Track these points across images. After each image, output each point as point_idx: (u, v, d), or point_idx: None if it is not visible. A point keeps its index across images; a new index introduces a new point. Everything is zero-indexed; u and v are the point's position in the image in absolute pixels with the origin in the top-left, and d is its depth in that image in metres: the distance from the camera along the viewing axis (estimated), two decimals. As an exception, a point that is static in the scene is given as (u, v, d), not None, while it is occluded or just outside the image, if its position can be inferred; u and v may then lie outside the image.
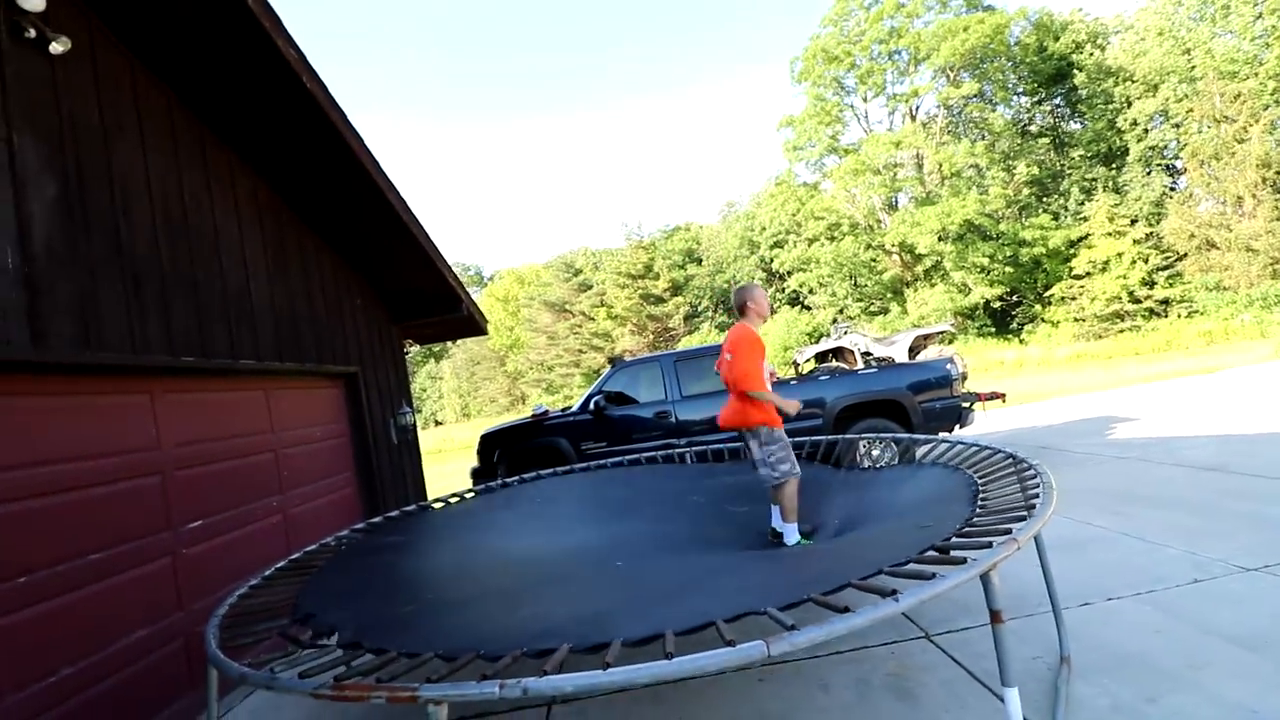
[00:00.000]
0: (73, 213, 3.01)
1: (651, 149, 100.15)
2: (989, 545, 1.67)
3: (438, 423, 50.04)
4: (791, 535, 3.33)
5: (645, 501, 3.65)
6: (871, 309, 32.63)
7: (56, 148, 2.97)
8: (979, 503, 2.34)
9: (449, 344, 52.44)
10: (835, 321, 9.34)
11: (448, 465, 15.81)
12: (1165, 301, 25.40)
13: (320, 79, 4.12)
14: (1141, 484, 5.25)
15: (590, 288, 42.06)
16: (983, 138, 31.93)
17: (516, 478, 5.12)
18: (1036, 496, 2.10)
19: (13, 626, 2.62)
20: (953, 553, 1.80)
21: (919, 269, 31.18)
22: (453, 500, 4.41)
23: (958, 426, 6.52)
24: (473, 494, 4.59)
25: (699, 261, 44.13)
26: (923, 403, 6.35)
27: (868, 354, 8.47)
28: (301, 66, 3.89)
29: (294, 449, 4.89)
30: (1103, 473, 5.84)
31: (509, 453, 6.95)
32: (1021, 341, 27.55)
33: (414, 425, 6.76)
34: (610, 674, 1.31)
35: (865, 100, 33.87)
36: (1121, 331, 25.05)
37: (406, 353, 7.61)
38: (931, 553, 1.82)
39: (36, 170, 2.83)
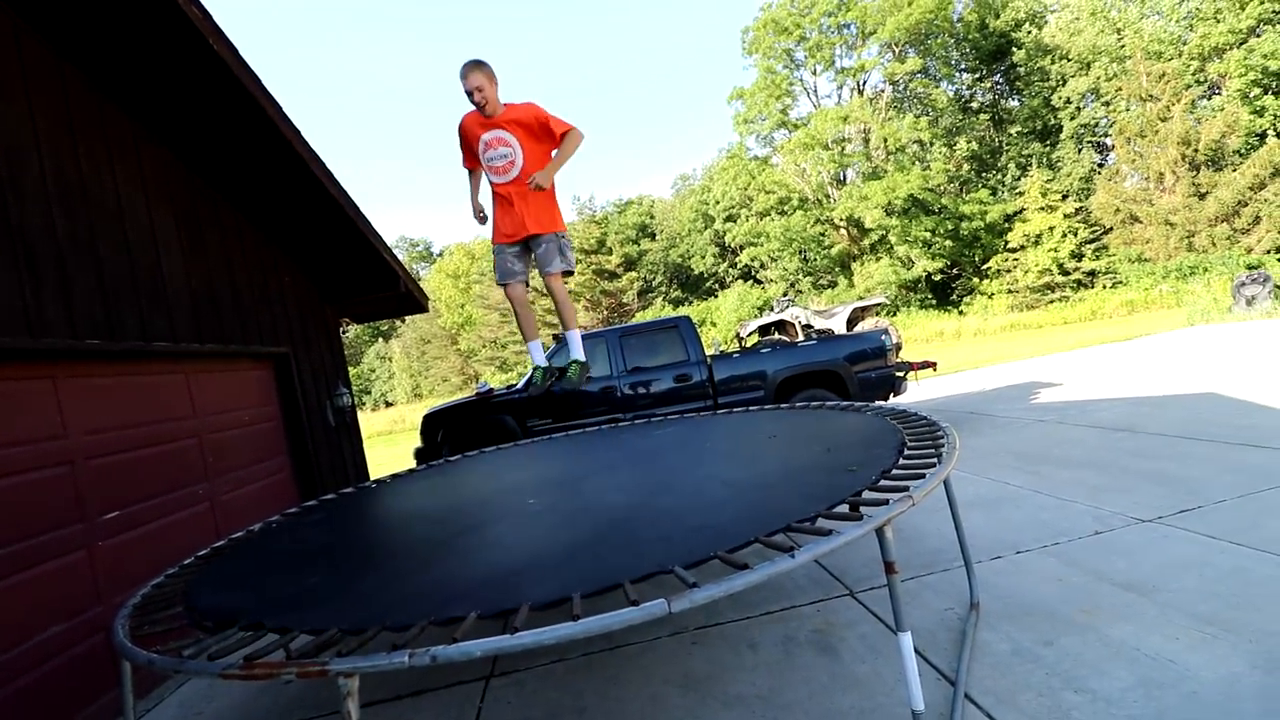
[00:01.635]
0: (-52, 184, 2.79)
1: (604, 120, 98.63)
2: (886, 502, 1.76)
3: (388, 403, 48.88)
4: (575, 346, 3.37)
5: (578, 463, 3.67)
6: (820, 283, 33.32)
7: (-75, 113, 2.74)
8: (903, 454, 2.45)
9: (398, 323, 51.03)
10: (785, 295, 9.53)
11: (399, 447, 15.55)
12: (1092, 273, 26.79)
13: (230, 42, 3.90)
14: (1056, 445, 5.59)
15: (541, 264, 41.51)
16: (927, 114, 32.67)
17: (458, 455, 5.10)
18: (940, 457, 2.21)
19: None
20: (862, 508, 1.88)
21: (865, 243, 31.94)
22: (383, 480, 4.35)
23: (892, 395, 6.78)
24: (408, 473, 4.54)
25: (652, 236, 44.03)
26: (859, 373, 6.56)
27: (808, 327, 8.68)
28: (207, 27, 3.67)
29: (220, 434, 4.72)
30: (1022, 436, 6.18)
31: (453, 432, 6.88)
32: (960, 313, 28.65)
33: (352, 407, 6.61)
34: (519, 637, 1.34)
35: (814, 74, 34.15)
36: (1051, 302, 26.34)
37: (344, 332, 7.40)
38: (842, 507, 1.90)
39: (-97, 138, 2.61)
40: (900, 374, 6.85)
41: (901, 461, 2.29)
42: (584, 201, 43.64)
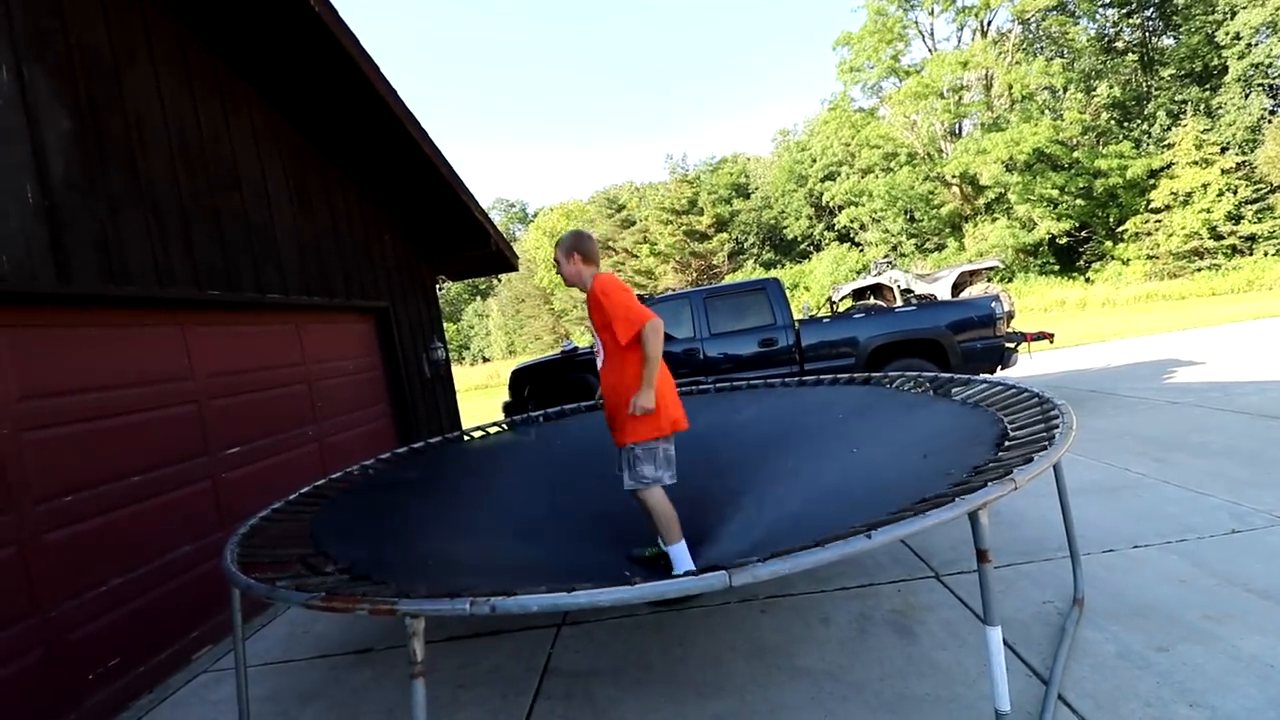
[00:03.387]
0: (87, 145, 3.06)
1: (701, 74, 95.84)
2: (983, 485, 1.60)
3: (485, 359, 51.24)
4: (680, 560, 2.65)
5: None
6: (926, 245, 31.20)
7: (67, 79, 3.00)
8: (1004, 445, 2.24)
9: (495, 281, 52.97)
10: (885, 257, 8.95)
11: (494, 400, 16.27)
12: (1251, 238, 23.39)
13: (331, 4, 4.03)
14: (1192, 430, 4.97)
15: (633, 224, 41.47)
16: (1061, 55, 29.27)
17: (541, 413, 5.23)
18: (1052, 438, 1.99)
19: (63, 541, 2.85)
20: (955, 490, 1.73)
21: (980, 202, 29.45)
22: (477, 434, 4.53)
23: (1000, 368, 6.28)
24: (498, 428, 4.70)
25: (746, 195, 42.77)
26: (963, 343, 6.10)
27: (908, 291, 8.14)
28: (309, -9, 3.79)
29: (327, 381, 5.07)
30: (1151, 418, 5.55)
31: (538, 388, 7.07)
32: (1088, 280, 25.98)
33: (446, 360, 6.92)
34: (574, 596, 1.34)
35: (932, 15, 31.32)
36: (1199, 270, 23.31)
37: (442, 289, 7.72)
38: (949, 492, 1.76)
39: (48, 102, 2.88)
40: (1011, 345, 6.32)
41: (1007, 443, 2.08)
42: (676, 160, 43.01)
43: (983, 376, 3.41)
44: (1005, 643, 2.42)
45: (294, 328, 4.76)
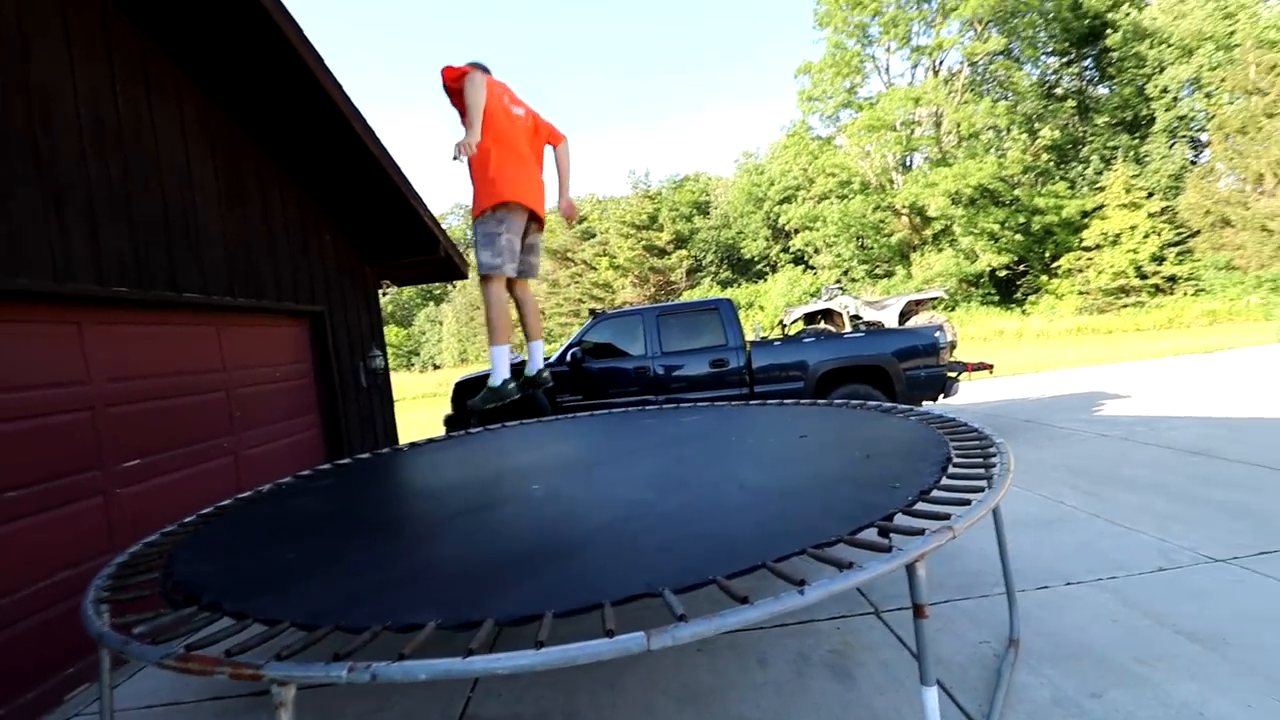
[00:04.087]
0: (-30, 120, 2.75)
1: (666, 93, 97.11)
2: (921, 532, 1.51)
3: (436, 366, 50.03)
4: (498, 366, 3.00)
5: (594, 447, 3.49)
6: (876, 272, 32.11)
7: (-50, 47, 2.69)
8: (947, 471, 2.17)
9: (449, 287, 51.92)
10: (835, 282, 9.08)
11: (442, 410, 15.79)
12: (1172, 279, 24.93)
13: (268, -11, 3.78)
14: (1121, 464, 5.11)
15: (593, 236, 41.37)
16: (1006, 98, 30.75)
17: (482, 427, 5.00)
18: (990, 479, 1.93)
19: (-88, 562, 2.50)
20: (893, 535, 1.64)
21: (928, 233, 30.53)
22: (401, 449, 4.28)
23: (942, 396, 6.36)
24: (427, 442, 4.45)
25: (707, 214, 43.25)
26: (908, 370, 6.17)
27: (857, 317, 8.24)
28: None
29: (250, 389, 4.73)
30: (1083, 450, 5.70)
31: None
32: (1024, 312, 27.17)
33: (385, 369, 6.60)
34: (469, 662, 1.18)
35: (889, 51, 32.51)
36: (1125, 307, 24.68)
37: (384, 294, 7.40)
38: (870, 530, 1.66)
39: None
40: (953, 374, 6.42)
41: (945, 481, 2.01)
42: (639, 175, 43.24)
43: (924, 407, 3.39)
44: (941, 687, 2.35)
45: (214, 330, 4.42)
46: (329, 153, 5.12)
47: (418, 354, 51.39)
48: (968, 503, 1.72)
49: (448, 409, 7.46)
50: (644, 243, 37.38)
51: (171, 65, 4.02)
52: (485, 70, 3.22)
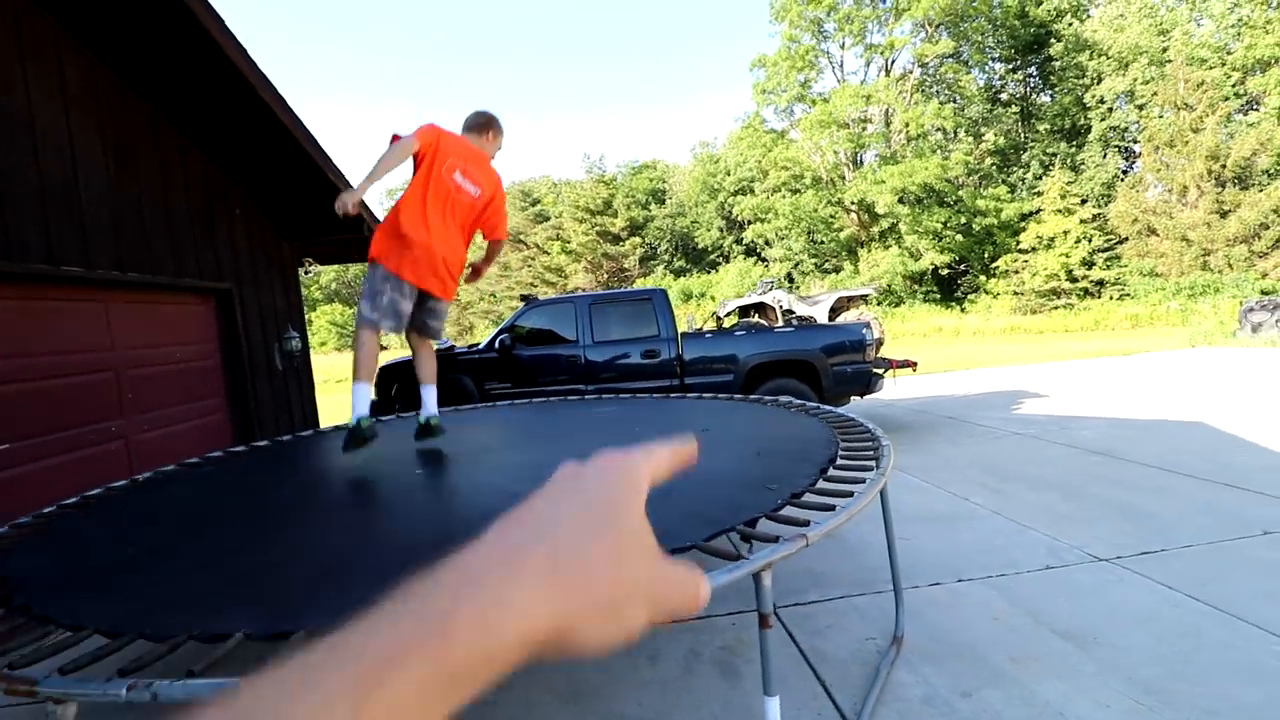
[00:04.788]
0: None
1: (622, 75, 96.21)
2: (775, 539, 1.49)
3: (384, 347, 48.54)
4: (358, 401, 2.91)
5: (494, 436, 3.41)
6: (825, 266, 32.76)
7: None
8: (825, 474, 2.17)
9: (396, 267, 50.24)
10: (766, 278, 9.14)
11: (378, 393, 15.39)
12: (1100, 283, 26.27)
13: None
14: (1029, 462, 5.33)
15: (547, 219, 40.84)
16: (953, 101, 31.65)
17: (396, 415, 4.85)
18: (859, 486, 1.93)
19: None
20: (754, 541, 1.61)
21: (875, 230, 31.28)
22: (301, 435, 4.09)
23: (867, 392, 6.50)
24: (332, 430, 4.27)
25: (663, 202, 43.18)
26: (834, 365, 6.27)
27: (789, 312, 8.35)
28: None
29: (144, 369, 4.46)
30: (997, 448, 5.92)
31: (408, 387, 6.61)
32: (963, 310, 28.22)
33: (304, 351, 6.33)
34: None
35: (843, 48, 32.98)
36: (1056, 308, 25.89)
37: (307, 273, 7.08)
38: (732, 535, 1.64)
39: None
40: (878, 371, 6.57)
41: (820, 484, 2.00)
42: (594, 160, 42.76)
43: (852, 402, 3.43)
44: (821, 683, 2.39)
45: (101, 306, 4.13)
46: (237, 122, 4.82)
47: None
48: (833, 508, 1.72)
49: (373, 394, 7.21)
50: (598, 228, 37.08)
51: (45, 16, 3.68)
52: (477, 128, 3.09)
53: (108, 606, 1.46)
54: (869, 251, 31.03)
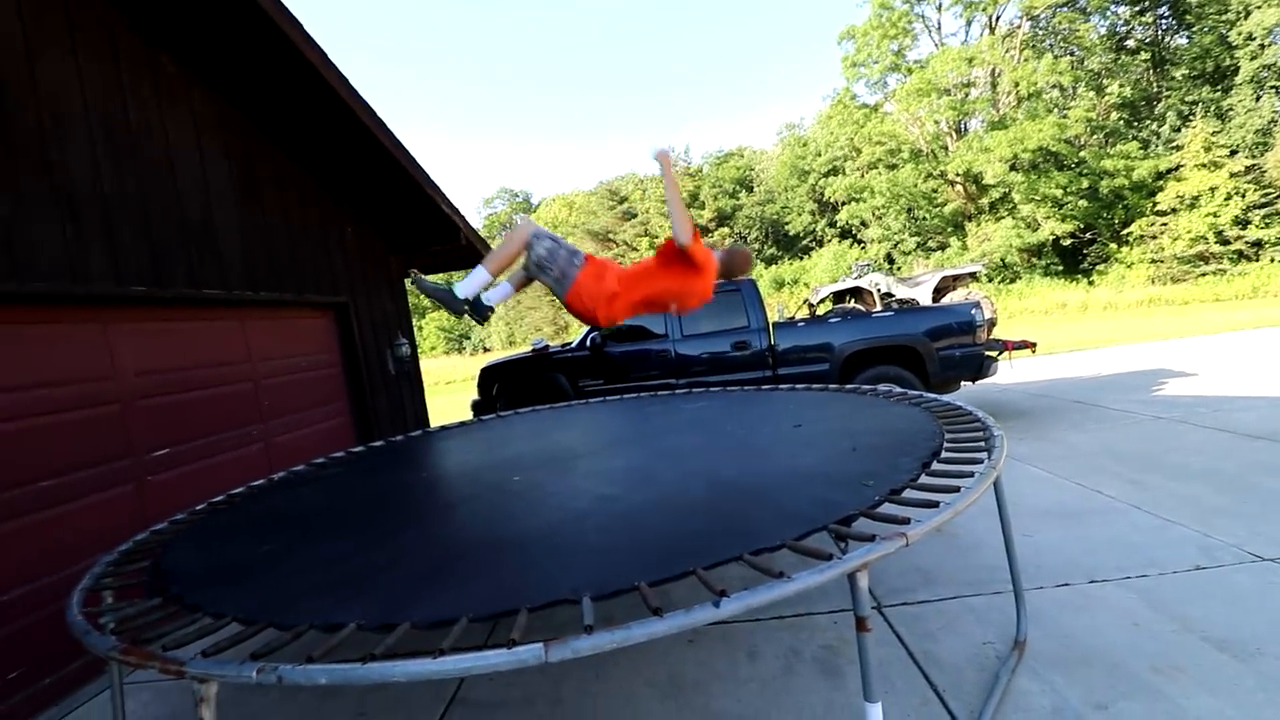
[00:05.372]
0: (-16, 133, 2.89)
1: (709, 66, 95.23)
2: (872, 538, 1.42)
3: (485, 349, 51.02)
4: (468, 283, 2.67)
5: (589, 436, 3.48)
6: (928, 244, 30.81)
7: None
8: (928, 468, 2.04)
9: (495, 272, 52.61)
10: (863, 260, 8.67)
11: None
12: (1258, 244, 22.95)
13: (268, -15, 3.83)
14: (1173, 449, 4.76)
15: (634, 216, 41.18)
16: (1070, 53, 28.77)
17: (509, 411, 5.07)
18: (967, 476, 1.80)
19: (-50, 548, 2.70)
20: (849, 540, 1.55)
21: (984, 201, 29.04)
22: (412, 436, 4.36)
23: (980, 377, 6.06)
24: (440, 429, 4.53)
25: (750, 190, 42.36)
26: (941, 350, 5.89)
27: (888, 295, 7.91)
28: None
29: (277, 379, 4.91)
30: (1132, 434, 5.33)
31: (508, 387, 6.89)
32: (1090, 284, 25.60)
33: (413, 356, 6.75)
34: (367, 669, 1.18)
35: (939, 9, 30.82)
36: (1203, 275, 22.92)
37: (414, 281, 7.52)
38: (822, 535, 1.58)
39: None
40: (991, 354, 6.11)
41: (923, 479, 1.89)
42: (679, 153, 42.59)
43: (933, 396, 3.19)
44: (934, 689, 2.25)
45: (238, 324, 4.59)
46: (342, 147, 5.20)
47: (468, 338, 52.49)
48: (936, 504, 1.61)
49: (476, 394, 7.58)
50: (686, 221, 36.94)
51: (175, 64, 4.12)
52: None
53: (245, 597, 1.62)
54: (978, 225, 28.87)
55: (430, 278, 3.63)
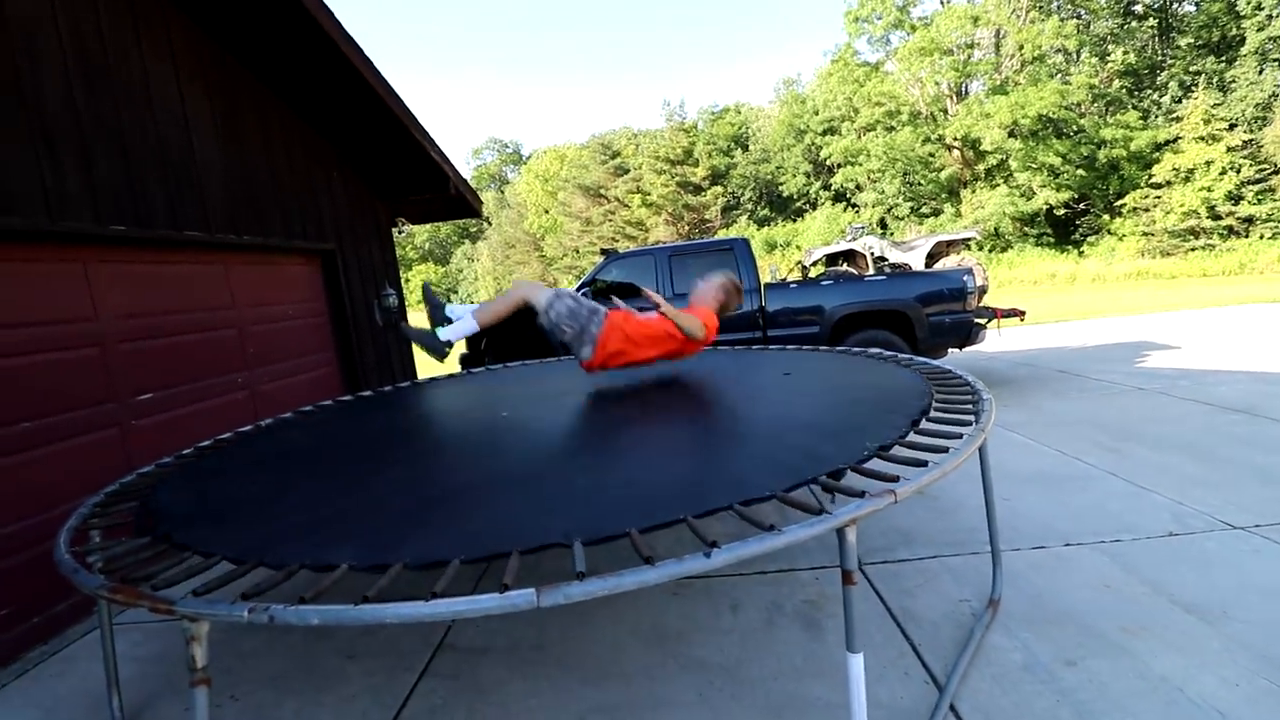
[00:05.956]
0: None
1: (706, 16, 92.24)
2: (861, 494, 1.43)
3: (473, 301, 50.60)
4: (455, 327, 2.83)
5: (573, 385, 3.49)
6: (923, 210, 30.63)
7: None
8: (916, 427, 2.05)
9: (485, 224, 51.97)
10: (856, 223, 8.59)
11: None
12: (1249, 220, 23.05)
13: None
14: (1152, 420, 4.86)
15: (627, 172, 40.42)
16: (1077, 16, 28.16)
17: (499, 365, 5.05)
18: (955, 438, 1.82)
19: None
20: (836, 494, 1.57)
21: (980, 167, 28.78)
22: (400, 386, 4.35)
23: (968, 344, 6.11)
24: (427, 381, 4.51)
25: (745, 148, 41.63)
26: (931, 316, 5.91)
27: (882, 259, 7.89)
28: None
29: (263, 326, 4.83)
30: (1114, 405, 5.43)
31: (496, 340, 6.84)
32: (1080, 255, 25.71)
33: (400, 308, 6.66)
34: (360, 610, 1.19)
35: (947, -35, 29.90)
36: (1193, 250, 23.06)
37: (400, 232, 7.39)
38: (820, 483, 1.60)
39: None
40: (981, 321, 6.15)
41: (911, 437, 1.91)
42: (674, 107, 41.58)
43: (950, 355, 3.21)
44: (910, 643, 2.33)
45: (221, 268, 4.49)
46: (330, 88, 5.01)
47: (455, 291, 52.02)
48: (925, 464, 1.62)
49: (464, 348, 7.53)
50: (678, 179, 36.38)
51: (159, -5, 3.91)
52: None
53: (235, 537, 1.62)
54: (973, 192, 28.70)
55: (422, 280, 3.66)
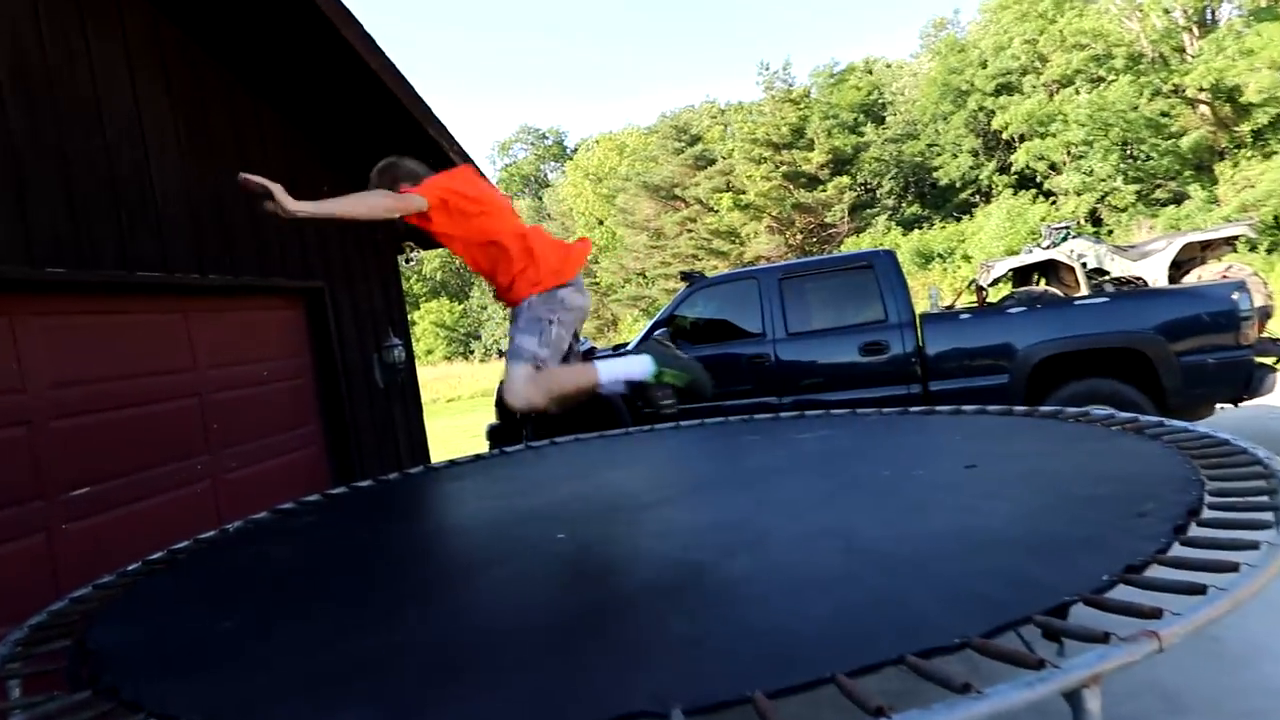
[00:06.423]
0: None
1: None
2: (1104, 638, 1.37)
3: (500, 353, 52.17)
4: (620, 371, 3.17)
5: (659, 477, 3.52)
6: (1156, 196, 29.66)
7: None
8: (1180, 535, 1.95)
9: (515, 244, 53.77)
10: (1060, 223, 8.32)
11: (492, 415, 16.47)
12: None
13: None
14: None
15: (712, 163, 41.28)
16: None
17: (543, 440, 5.18)
18: (1247, 548, 1.71)
19: None
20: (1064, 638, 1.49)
21: (1244, 128, 27.73)
22: (411, 473, 4.50)
23: (1246, 395, 5.79)
24: (449, 464, 4.64)
25: (881, 121, 41.82)
26: (1184, 355, 5.65)
27: (1099, 272, 7.65)
28: None
29: (229, 392, 5.17)
30: None
31: (538, 414, 7.00)
32: None
33: (409, 362, 6.97)
34: None
35: None
36: None
37: (409, 261, 7.79)
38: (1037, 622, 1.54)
39: None
40: (1265, 360, 5.84)
41: (1176, 549, 1.80)
42: (775, 71, 42.24)
43: (1215, 415, 3.07)
44: None
45: (180, 317, 4.86)
46: (321, 75, 5.45)
47: (477, 337, 53.78)
48: (1203, 590, 1.53)
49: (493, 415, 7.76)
50: (785, 169, 36.74)
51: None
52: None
53: (204, 692, 1.70)
54: (1234, 165, 27.56)
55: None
